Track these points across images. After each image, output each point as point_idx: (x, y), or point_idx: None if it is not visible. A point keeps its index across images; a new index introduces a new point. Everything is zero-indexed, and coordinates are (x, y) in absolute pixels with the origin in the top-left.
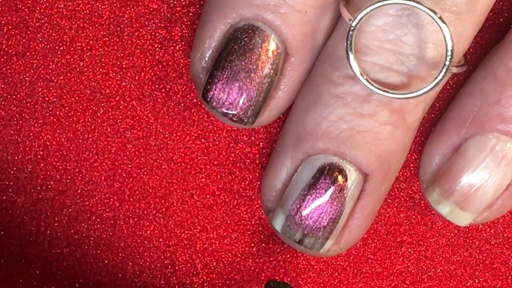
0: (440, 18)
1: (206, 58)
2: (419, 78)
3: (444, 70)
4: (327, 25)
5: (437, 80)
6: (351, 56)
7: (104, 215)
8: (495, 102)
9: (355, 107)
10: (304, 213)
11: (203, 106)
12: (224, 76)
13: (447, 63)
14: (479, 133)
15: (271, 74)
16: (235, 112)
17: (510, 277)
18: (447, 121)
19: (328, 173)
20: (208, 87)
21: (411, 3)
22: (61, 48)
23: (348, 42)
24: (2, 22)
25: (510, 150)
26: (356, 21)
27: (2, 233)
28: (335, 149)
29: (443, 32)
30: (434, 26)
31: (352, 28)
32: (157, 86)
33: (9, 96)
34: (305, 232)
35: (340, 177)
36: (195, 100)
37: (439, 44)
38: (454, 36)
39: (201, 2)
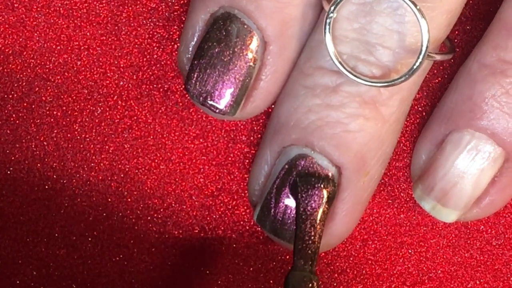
0: (419, 10)
1: (190, 49)
2: (389, 69)
3: (420, 60)
4: (311, 19)
5: (414, 68)
6: (328, 36)
7: (102, 215)
8: (468, 98)
9: (323, 98)
10: (276, 205)
11: None
12: (202, 65)
13: (424, 49)
14: (455, 130)
15: (249, 63)
16: (215, 103)
17: (511, 278)
18: (432, 118)
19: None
20: (189, 76)
21: None
22: (58, 47)
23: (326, 29)
24: None
25: (484, 146)
26: (332, 7)
27: None
28: (305, 140)
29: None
30: (398, 15)
31: (328, 15)
32: (155, 85)
33: (6, 96)
34: (278, 224)
35: (311, 168)
36: None
37: (406, 34)
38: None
39: None
